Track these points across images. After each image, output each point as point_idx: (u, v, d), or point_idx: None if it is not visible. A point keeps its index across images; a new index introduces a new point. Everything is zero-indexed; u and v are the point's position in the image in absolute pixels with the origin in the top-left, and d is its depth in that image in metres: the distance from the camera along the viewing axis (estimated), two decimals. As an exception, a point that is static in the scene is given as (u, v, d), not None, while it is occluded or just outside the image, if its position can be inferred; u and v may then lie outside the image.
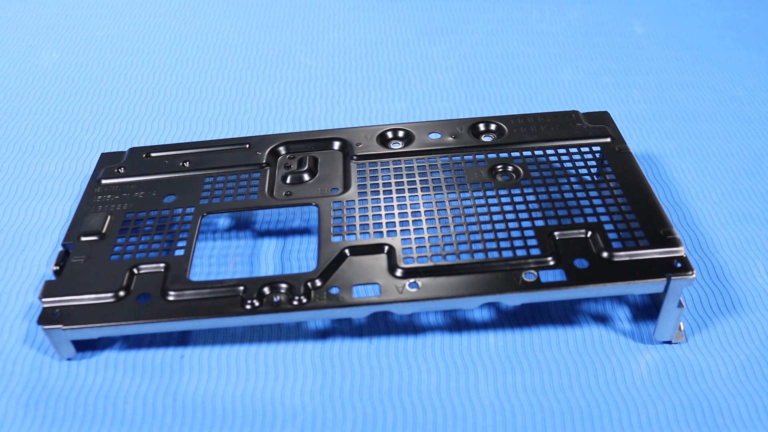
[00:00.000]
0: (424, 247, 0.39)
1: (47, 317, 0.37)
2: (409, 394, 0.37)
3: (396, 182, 0.43)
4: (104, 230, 0.41)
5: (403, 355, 0.39)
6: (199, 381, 0.38)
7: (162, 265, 0.39)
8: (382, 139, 0.47)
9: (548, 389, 0.37)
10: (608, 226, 0.39)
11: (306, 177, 0.44)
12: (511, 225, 0.40)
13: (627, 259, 0.37)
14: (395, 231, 0.40)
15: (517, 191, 0.42)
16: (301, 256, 0.44)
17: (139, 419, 0.36)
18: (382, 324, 0.41)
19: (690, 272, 0.36)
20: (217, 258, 0.44)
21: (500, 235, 0.39)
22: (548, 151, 0.44)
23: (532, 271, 0.37)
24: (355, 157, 0.45)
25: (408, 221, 0.40)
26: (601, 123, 0.47)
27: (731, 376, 0.38)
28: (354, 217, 0.41)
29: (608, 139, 0.45)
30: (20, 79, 0.59)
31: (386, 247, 0.39)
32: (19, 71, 0.60)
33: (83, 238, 0.41)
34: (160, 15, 0.67)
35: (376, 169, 0.44)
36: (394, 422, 0.36)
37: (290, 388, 0.37)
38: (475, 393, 0.37)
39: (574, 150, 0.44)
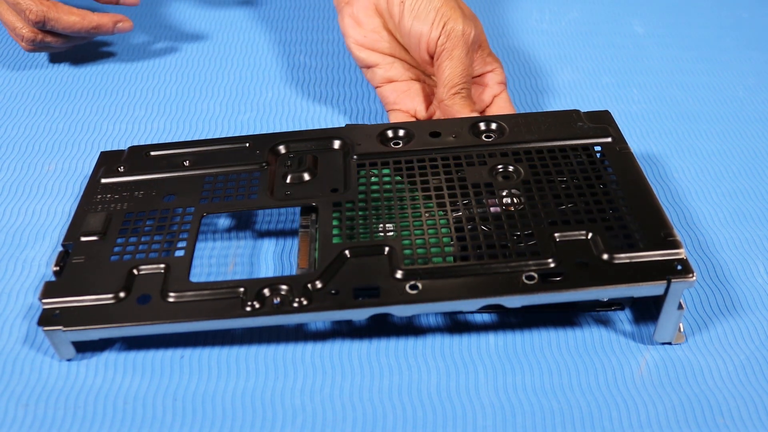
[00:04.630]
0: (425, 248, 0.39)
1: (47, 318, 0.37)
2: (409, 394, 0.37)
3: (396, 182, 0.43)
4: (104, 230, 0.41)
5: (403, 355, 0.39)
6: (199, 381, 0.38)
7: (162, 265, 0.39)
8: (383, 139, 0.46)
9: (548, 389, 0.37)
10: (609, 228, 0.39)
11: (306, 176, 0.44)
12: (511, 226, 0.40)
13: (627, 261, 0.37)
14: (395, 232, 0.40)
15: (518, 192, 0.42)
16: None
17: (139, 419, 0.36)
18: (382, 324, 0.41)
19: (690, 275, 0.36)
20: (217, 258, 0.44)
21: (500, 236, 0.39)
22: (549, 151, 0.44)
23: (533, 273, 0.37)
24: (355, 157, 0.45)
25: (408, 222, 0.40)
26: (602, 122, 0.46)
27: (731, 376, 0.38)
28: (354, 218, 0.41)
29: (609, 139, 0.45)
30: (20, 79, 0.59)
31: (386, 249, 0.39)
32: (20, 71, 0.60)
33: (83, 238, 0.41)
34: (160, 14, 0.67)
35: (377, 169, 0.44)
36: (394, 422, 0.36)
37: (290, 388, 0.37)
38: (475, 393, 0.37)
39: (575, 150, 0.44)
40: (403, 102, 0.52)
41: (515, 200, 0.41)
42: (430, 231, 0.40)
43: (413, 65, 0.53)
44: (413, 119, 0.52)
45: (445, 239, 0.39)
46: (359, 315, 0.37)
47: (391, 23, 0.51)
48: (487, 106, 0.52)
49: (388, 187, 0.43)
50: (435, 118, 0.52)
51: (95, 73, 0.60)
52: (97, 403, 0.37)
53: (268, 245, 0.45)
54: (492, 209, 0.41)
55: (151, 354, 0.39)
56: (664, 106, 0.57)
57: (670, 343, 0.39)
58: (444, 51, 0.48)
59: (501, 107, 0.52)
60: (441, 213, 0.41)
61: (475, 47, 0.49)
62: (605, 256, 0.37)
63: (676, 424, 0.36)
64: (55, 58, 0.61)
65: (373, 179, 0.43)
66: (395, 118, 0.52)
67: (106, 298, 0.37)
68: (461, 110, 0.48)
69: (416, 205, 0.41)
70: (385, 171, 0.44)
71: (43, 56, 0.61)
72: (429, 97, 0.52)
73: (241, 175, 0.45)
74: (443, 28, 0.47)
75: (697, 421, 0.36)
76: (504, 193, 0.42)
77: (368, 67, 0.53)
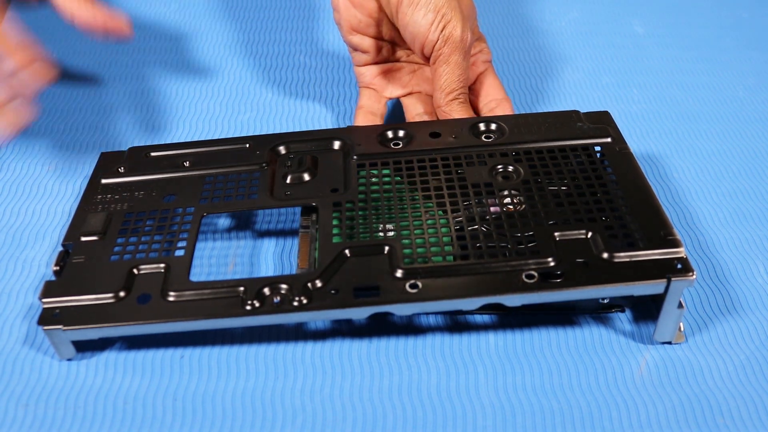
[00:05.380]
0: (425, 247, 0.39)
1: (47, 318, 0.37)
2: (409, 394, 0.37)
3: (396, 182, 0.43)
4: (104, 230, 0.41)
5: (403, 355, 0.39)
6: (199, 381, 0.38)
7: (162, 265, 0.39)
8: (383, 139, 0.46)
9: (548, 389, 0.37)
10: (608, 227, 0.39)
11: (306, 177, 0.44)
12: (511, 225, 0.40)
13: (627, 260, 0.37)
14: (395, 231, 0.40)
15: (517, 191, 0.42)
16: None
17: (139, 419, 0.36)
18: (382, 324, 0.41)
19: (690, 273, 0.36)
20: (217, 258, 0.44)
21: (500, 235, 0.39)
22: (548, 151, 0.44)
23: (533, 272, 0.37)
24: (355, 157, 0.45)
25: (408, 222, 0.40)
26: (601, 123, 0.47)
27: (731, 376, 0.38)
28: (354, 217, 0.41)
29: (609, 139, 0.45)
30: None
31: (386, 248, 0.39)
32: (19, 71, 0.60)
33: (83, 238, 0.41)
34: (160, 14, 0.67)
35: (377, 169, 0.44)
36: (394, 422, 0.36)
37: (290, 388, 0.37)
38: (475, 393, 0.37)
39: (575, 150, 0.44)
40: (378, 83, 0.53)
41: (515, 199, 0.41)
42: (430, 230, 0.40)
43: (399, 44, 0.53)
44: (382, 99, 0.53)
45: (445, 239, 0.39)
46: (359, 314, 0.37)
47: (387, 9, 0.49)
48: (474, 84, 0.52)
49: (388, 187, 0.43)
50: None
51: (94, 74, 0.60)
52: (97, 403, 0.37)
53: (268, 245, 0.45)
54: (492, 209, 0.41)
55: (151, 354, 0.39)
56: (664, 106, 0.57)
57: (670, 343, 0.39)
58: (441, 56, 0.47)
59: (489, 84, 0.52)
60: (441, 213, 0.41)
61: (472, 47, 0.49)
62: (605, 255, 0.37)
63: (676, 424, 0.36)
64: (55, 58, 0.61)
65: (373, 179, 0.43)
66: (364, 94, 0.53)
67: (106, 298, 0.37)
68: (459, 117, 0.48)
69: (416, 204, 0.41)
70: (385, 171, 0.44)
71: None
72: (408, 77, 0.53)
73: (241, 175, 0.45)
74: (441, 31, 0.46)
75: (697, 421, 0.36)
76: (505, 193, 0.42)
77: (356, 50, 0.52)
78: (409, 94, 0.53)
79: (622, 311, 0.41)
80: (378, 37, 0.52)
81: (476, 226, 0.40)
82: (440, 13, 0.46)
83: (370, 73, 0.53)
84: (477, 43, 0.53)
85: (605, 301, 0.40)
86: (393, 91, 0.53)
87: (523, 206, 0.41)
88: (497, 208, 0.41)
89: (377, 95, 0.53)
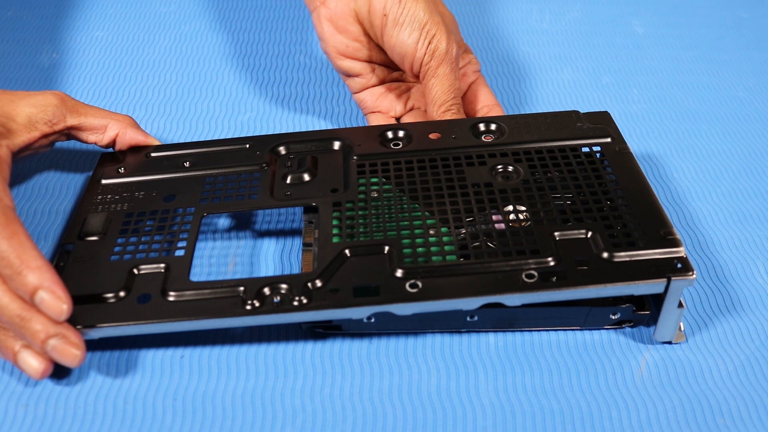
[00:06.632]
0: (425, 247, 0.39)
1: (47, 317, 0.37)
2: (409, 394, 0.37)
3: (396, 182, 0.43)
4: (104, 230, 0.41)
5: (403, 355, 0.39)
6: (199, 381, 0.38)
7: (162, 265, 0.39)
8: (383, 139, 0.46)
9: (548, 389, 0.37)
10: (608, 227, 0.39)
11: (306, 177, 0.44)
12: (511, 225, 0.40)
13: (627, 259, 0.37)
14: (395, 231, 0.40)
15: (517, 191, 0.42)
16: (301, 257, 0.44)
17: (139, 419, 0.36)
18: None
19: (690, 273, 0.36)
20: (217, 258, 0.44)
21: (500, 235, 0.39)
22: (548, 151, 0.44)
23: (533, 272, 0.37)
24: (355, 157, 0.45)
25: (408, 221, 0.40)
26: (601, 123, 0.47)
27: (731, 376, 0.38)
28: (354, 217, 0.41)
29: (608, 139, 0.45)
30: (20, 79, 0.59)
31: (386, 248, 0.39)
32: (19, 71, 0.60)
33: (83, 239, 0.41)
34: (161, 14, 0.67)
35: (377, 169, 0.44)
36: (394, 422, 0.36)
37: (290, 388, 0.37)
38: (475, 393, 0.37)
39: (575, 150, 0.44)
40: (381, 104, 0.52)
41: (522, 215, 0.41)
42: (430, 230, 0.40)
43: (392, 67, 0.53)
44: (392, 119, 0.52)
45: (445, 238, 0.39)
46: (359, 313, 0.37)
47: (372, 32, 0.49)
48: (466, 93, 0.52)
49: (388, 187, 0.43)
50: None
51: (95, 74, 0.60)
52: (97, 403, 0.37)
53: (268, 245, 0.45)
54: (495, 219, 0.41)
55: (151, 354, 0.39)
56: (664, 106, 0.57)
57: (670, 343, 0.39)
58: (429, 70, 0.47)
59: (480, 92, 0.52)
60: (441, 212, 0.41)
61: (459, 59, 0.49)
62: (605, 255, 0.37)
63: (676, 424, 0.36)
64: (55, 61, 0.61)
65: (373, 179, 0.43)
66: (374, 120, 0.52)
67: (107, 298, 0.37)
68: None
69: (416, 204, 0.41)
70: (387, 186, 0.44)
71: (43, 58, 0.61)
72: (405, 95, 0.53)
73: (241, 175, 0.45)
74: (428, 47, 0.47)
75: (697, 421, 0.36)
76: (509, 208, 0.41)
77: (349, 75, 0.52)
78: (410, 110, 0.53)
79: (633, 326, 0.40)
80: (368, 60, 0.52)
81: (476, 226, 0.40)
82: (425, 29, 0.47)
83: (371, 98, 0.52)
84: (464, 55, 0.53)
85: (616, 317, 0.39)
86: (398, 109, 0.52)
87: (523, 205, 0.41)
88: (502, 225, 0.40)
89: (386, 118, 0.52)
